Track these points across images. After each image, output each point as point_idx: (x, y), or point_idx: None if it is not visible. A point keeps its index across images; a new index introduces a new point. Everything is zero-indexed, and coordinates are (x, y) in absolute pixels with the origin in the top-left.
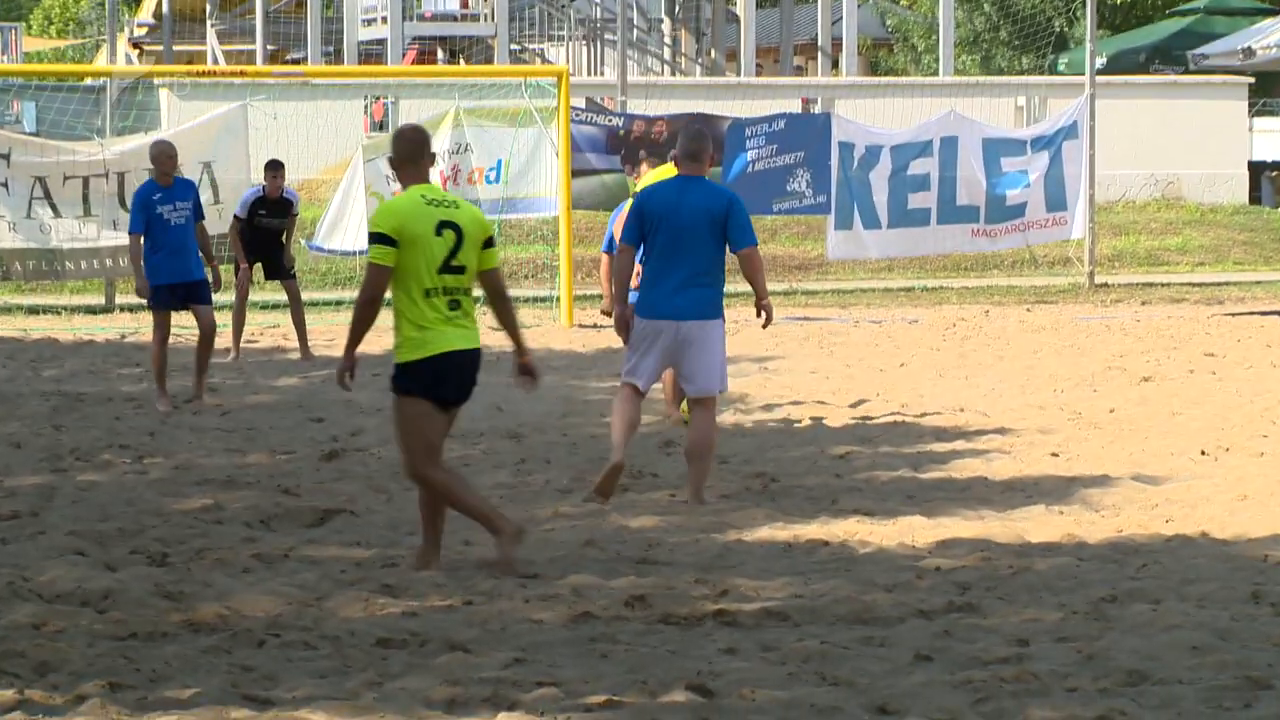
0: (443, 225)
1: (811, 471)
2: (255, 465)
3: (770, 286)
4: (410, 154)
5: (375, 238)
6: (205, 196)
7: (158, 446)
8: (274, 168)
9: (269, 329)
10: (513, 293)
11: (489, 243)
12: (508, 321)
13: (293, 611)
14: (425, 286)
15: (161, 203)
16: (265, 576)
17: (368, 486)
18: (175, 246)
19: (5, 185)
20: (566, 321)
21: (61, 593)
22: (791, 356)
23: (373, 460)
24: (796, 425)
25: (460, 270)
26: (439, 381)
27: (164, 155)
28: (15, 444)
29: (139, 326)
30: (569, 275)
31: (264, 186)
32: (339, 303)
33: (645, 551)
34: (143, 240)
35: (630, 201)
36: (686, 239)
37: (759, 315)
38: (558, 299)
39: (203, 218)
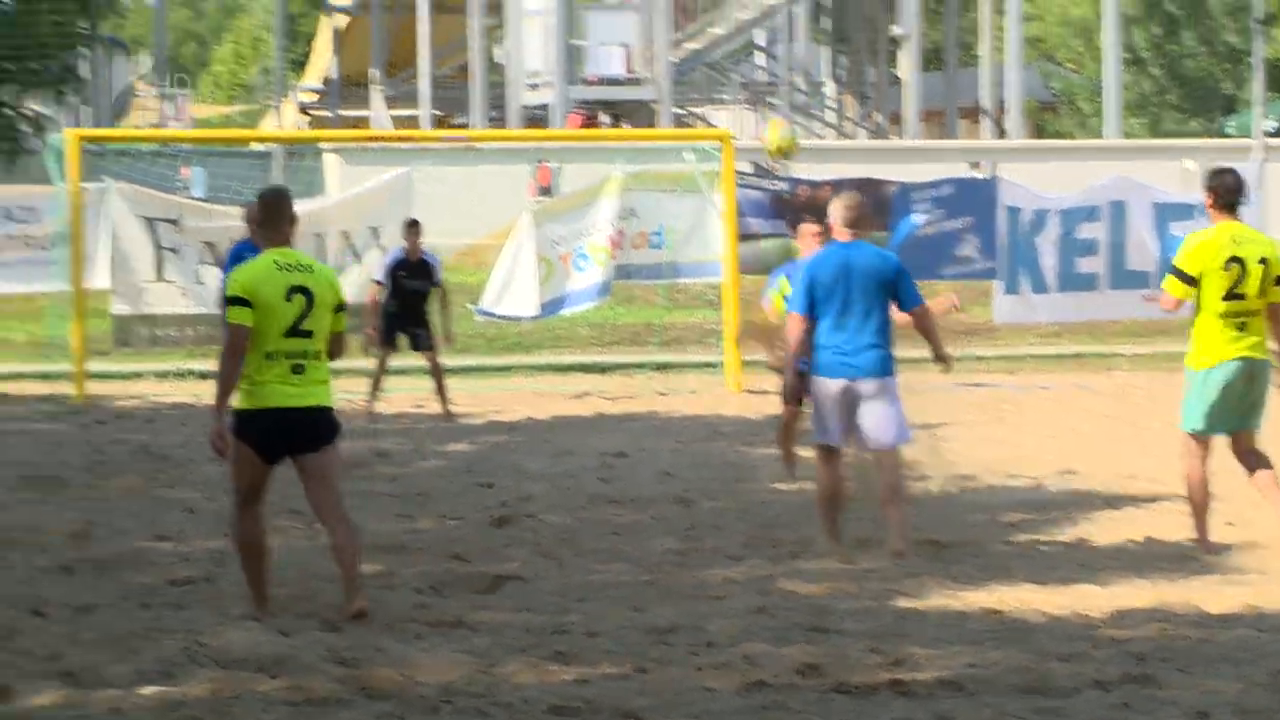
0: (293, 290)
1: (983, 538)
2: (426, 531)
3: None
4: (267, 216)
5: (230, 300)
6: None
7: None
8: (412, 226)
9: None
10: (679, 358)
11: (340, 307)
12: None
13: (465, 678)
14: (267, 349)
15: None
16: (437, 643)
17: (537, 552)
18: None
19: (176, 250)
20: (734, 387)
21: (236, 658)
22: (961, 423)
23: (543, 526)
24: (967, 492)
25: (307, 334)
26: (261, 433)
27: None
28: (189, 509)
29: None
30: (734, 340)
31: (404, 248)
32: (507, 369)
33: (817, 619)
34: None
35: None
36: (860, 303)
37: (938, 363)
38: (724, 364)
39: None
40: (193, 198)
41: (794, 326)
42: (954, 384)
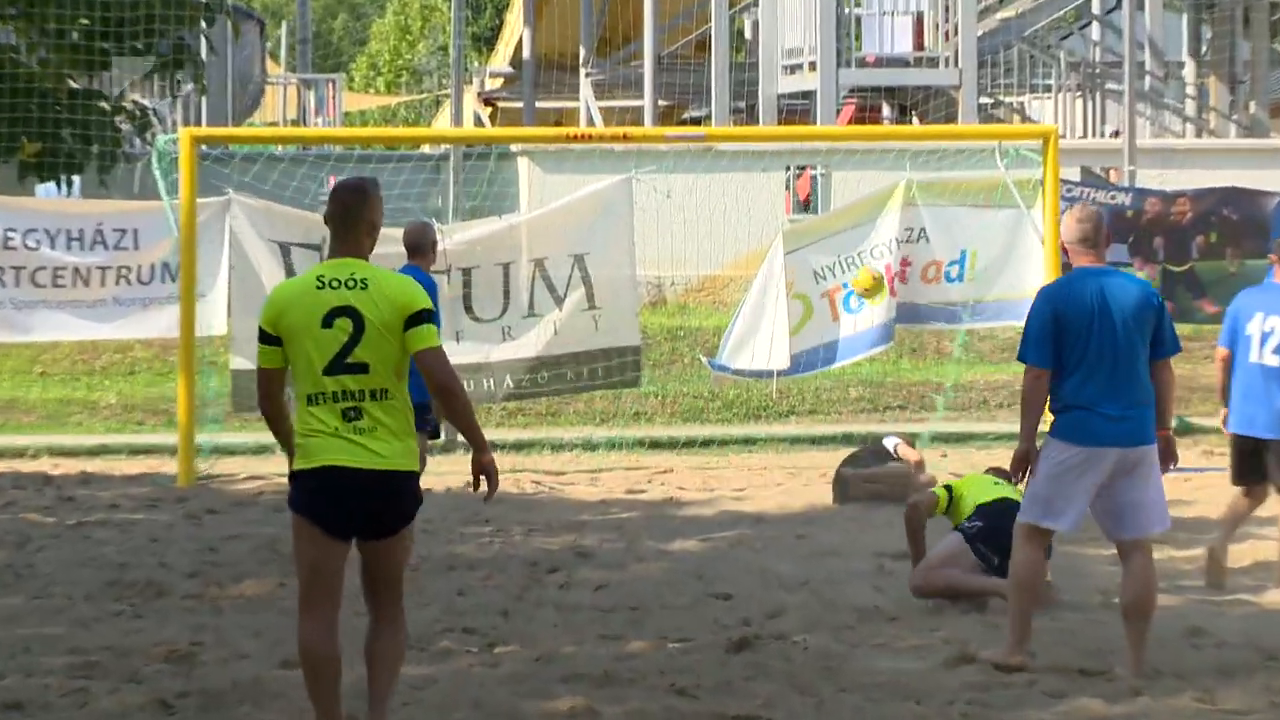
0: (334, 313)
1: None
2: (640, 656)
3: None
4: (333, 214)
5: (259, 334)
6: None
7: (513, 630)
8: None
9: (656, 473)
10: (978, 427)
11: (414, 320)
12: (454, 417)
13: None
14: (308, 391)
15: None
16: None
17: (789, 686)
18: None
19: None
20: None
21: None
22: None
23: (797, 652)
24: (1245, 603)
25: (360, 369)
26: (317, 499)
27: (435, 242)
28: None
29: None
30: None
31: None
32: (751, 441)
33: None
34: None
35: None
36: (1120, 346)
37: (1163, 449)
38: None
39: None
40: None
41: (1038, 384)
42: None
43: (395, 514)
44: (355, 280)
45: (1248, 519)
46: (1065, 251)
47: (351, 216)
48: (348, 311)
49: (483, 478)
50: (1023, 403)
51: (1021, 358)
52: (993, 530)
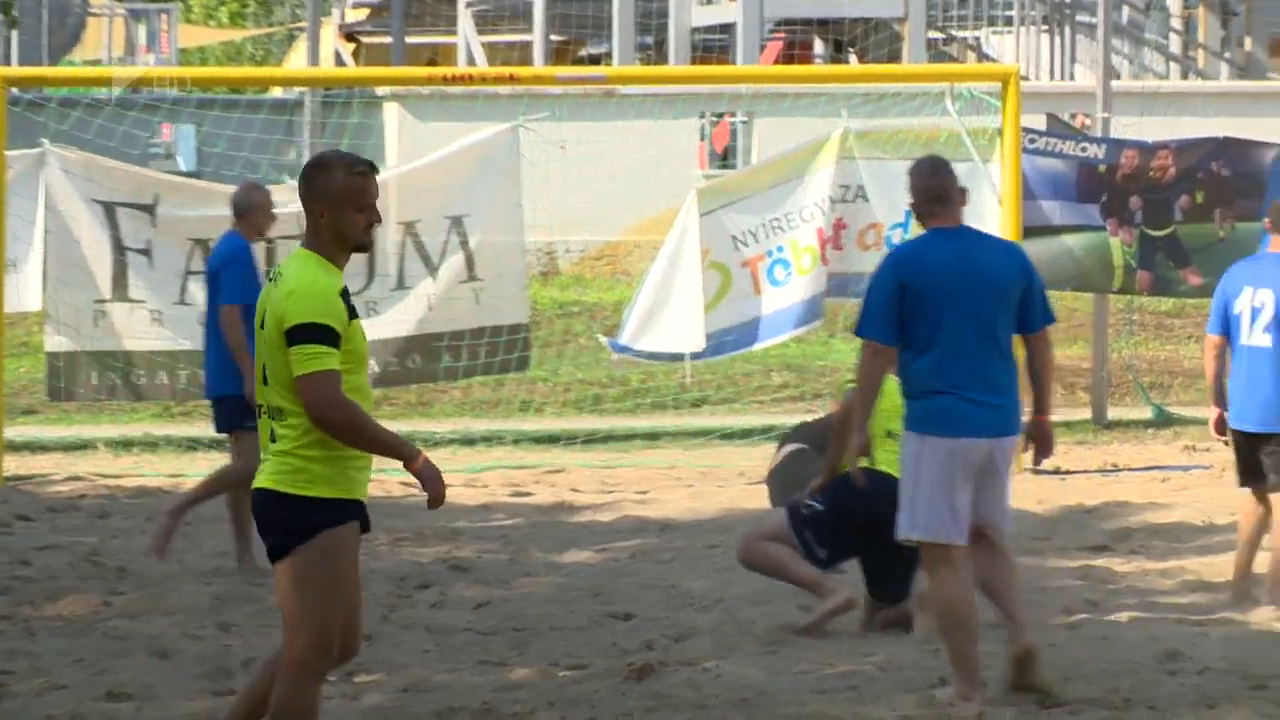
0: (262, 316)
1: None
2: (525, 685)
3: None
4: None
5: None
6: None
7: (377, 656)
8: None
9: (546, 472)
10: None
11: (289, 337)
12: (352, 445)
13: None
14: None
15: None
16: None
17: None
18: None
19: (147, 253)
20: (1014, 464)
21: None
22: None
23: (708, 680)
24: (1230, 623)
25: (265, 382)
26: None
27: (266, 206)
28: (161, 653)
29: None
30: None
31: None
32: (656, 435)
33: None
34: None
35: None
36: (983, 320)
37: (1031, 436)
38: None
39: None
40: (177, 171)
41: (878, 361)
42: None
43: (266, 535)
44: (277, 274)
45: (1267, 525)
46: (915, 212)
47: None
48: (261, 317)
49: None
50: (860, 386)
51: (860, 332)
52: (834, 517)
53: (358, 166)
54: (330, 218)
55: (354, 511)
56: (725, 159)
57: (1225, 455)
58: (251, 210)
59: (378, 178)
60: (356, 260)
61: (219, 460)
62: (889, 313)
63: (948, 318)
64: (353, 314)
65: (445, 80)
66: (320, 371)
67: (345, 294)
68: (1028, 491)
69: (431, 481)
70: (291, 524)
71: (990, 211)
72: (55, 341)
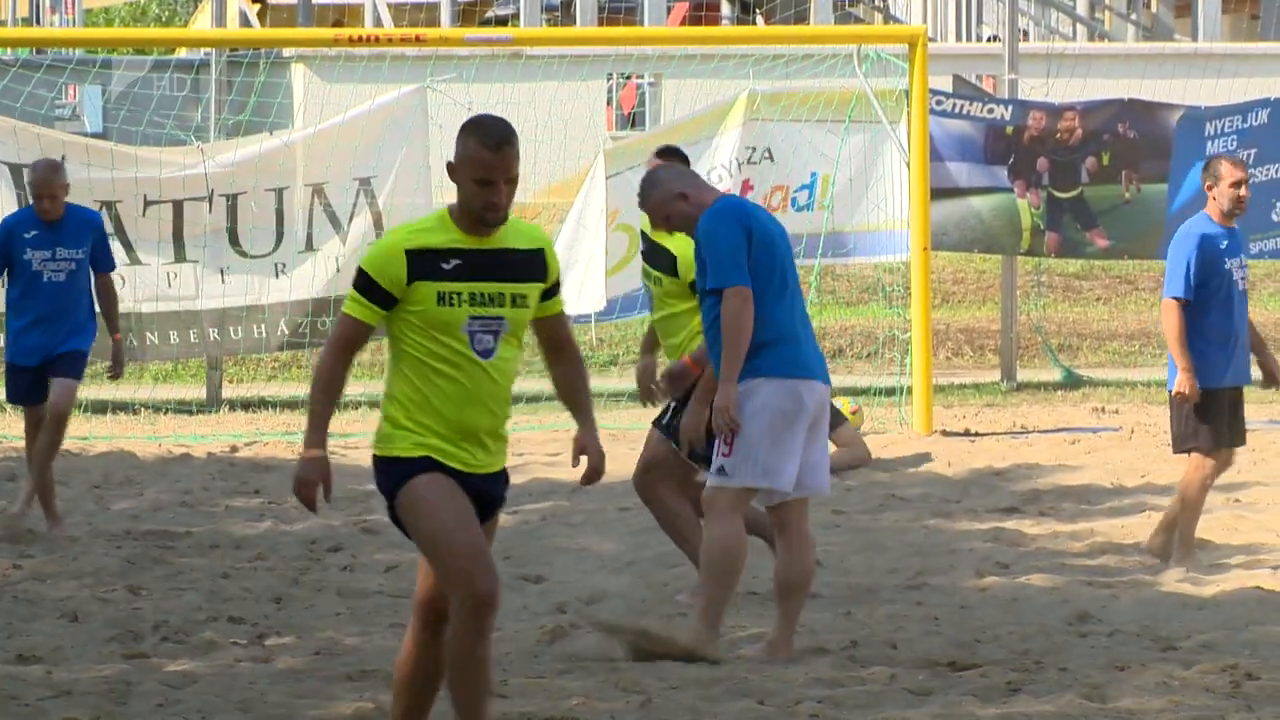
0: None
1: None
2: None
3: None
4: None
5: None
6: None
7: (287, 620)
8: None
9: None
10: (839, 381)
11: None
12: None
13: None
14: None
15: (36, 246)
16: None
17: (610, 683)
18: (48, 313)
19: None
20: (922, 427)
21: None
22: (1276, 482)
23: (618, 642)
24: (1141, 584)
25: None
26: None
27: (50, 179)
28: (71, 615)
29: (257, 432)
30: (927, 354)
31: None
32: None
33: None
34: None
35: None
36: (795, 274)
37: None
38: (908, 390)
39: (110, 268)
40: (83, 133)
41: (748, 307)
42: (1264, 420)
43: None
44: None
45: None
46: (681, 199)
47: None
48: None
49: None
50: (732, 333)
51: (723, 282)
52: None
53: (491, 138)
54: (455, 179)
55: (425, 466)
56: (632, 121)
57: (1134, 418)
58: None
59: (287, 139)
60: (264, 220)
61: (127, 422)
62: (742, 259)
63: (789, 266)
64: (425, 274)
65: (352, 41)
66: (343, 314)
67: (426, 253)
68: (937, 454)
69: (297, 482)
70: (379, 484)
71: (898, 174)
72: None
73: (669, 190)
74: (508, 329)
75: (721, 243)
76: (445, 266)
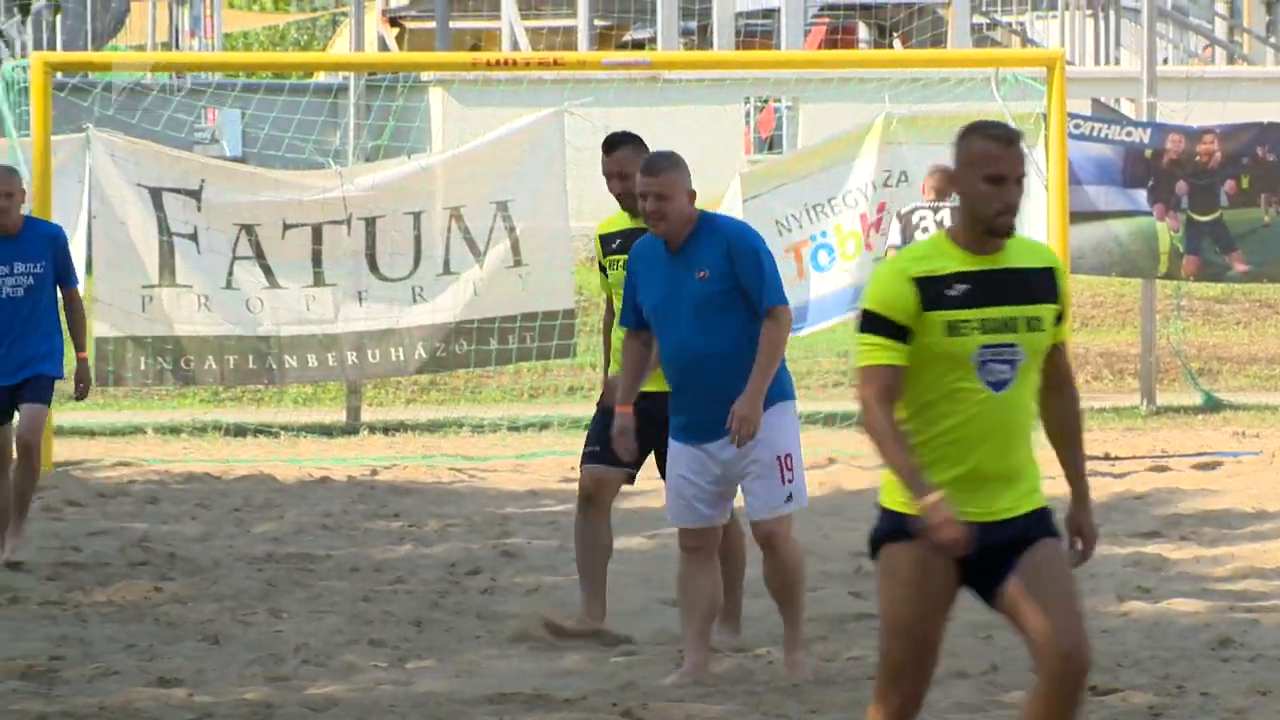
0: None
1: None
2: (578, 672)
3: None
4: None
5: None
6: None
7: (428, 643)
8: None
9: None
10: None
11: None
12: None
13: None
14: None
15: None
16: None
17: (752, 708)
18: (6, 330)
19: (194, 238)
20: None
21: None
22: None
23: (760, 667)
24: None
25: None
26: None
27: (6, 178)
28: (212, 638)
29: (397, 455)
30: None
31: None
32: None
33: None
34: None
35: None
36: None
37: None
38: None
39: (74, 283)
40: (223, 156)
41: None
42: None
43: None
44: None
45: None
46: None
47: None
48: None
49: None
50: (778, 351)
51: (777, 300)
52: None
53: (998, 131)
54: (960, 188)
55: (915, 528)
56: (770, 145)
57: (1275, 442)
58: None
59: (425, 163)
60: (402, 243)
61: (267, 445)
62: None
63: None
64: (933, 304)
65: (489, 65)
66: (864, 366)
67: (931, 280)
68: None
69: (934, 526)
70: (872, 531)
71: (1036, 197)
72: (100, 328)
73: (687, 181)
74: (1024, 357)
75: (766, 261)
76: (952, 293)
